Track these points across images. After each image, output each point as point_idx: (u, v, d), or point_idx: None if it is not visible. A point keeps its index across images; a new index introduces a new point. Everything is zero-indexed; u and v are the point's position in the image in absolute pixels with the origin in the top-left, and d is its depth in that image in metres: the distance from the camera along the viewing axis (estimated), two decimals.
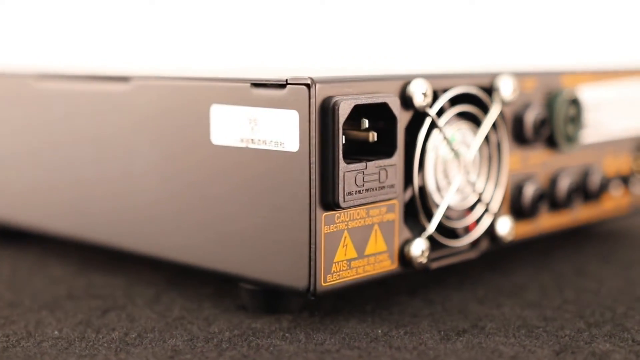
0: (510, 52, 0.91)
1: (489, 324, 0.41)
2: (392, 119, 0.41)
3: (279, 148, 0.40)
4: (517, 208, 0.50)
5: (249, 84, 0.41)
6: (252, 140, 0.41)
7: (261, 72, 0.44)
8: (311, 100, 0.39)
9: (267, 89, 0.40)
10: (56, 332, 0.40)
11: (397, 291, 0.47)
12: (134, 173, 0.47)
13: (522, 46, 0.94)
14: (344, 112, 0.39)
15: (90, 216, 0.49)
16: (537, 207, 0.51)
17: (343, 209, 0.40)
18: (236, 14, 0.99)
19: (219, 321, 0.42)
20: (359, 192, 0.40)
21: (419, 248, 0.43)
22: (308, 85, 0.39)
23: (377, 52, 0.91)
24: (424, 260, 0.44)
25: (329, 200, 0.39)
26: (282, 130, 0.40)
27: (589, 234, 0.61)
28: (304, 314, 0.43)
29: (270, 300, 0.43)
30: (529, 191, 0.50)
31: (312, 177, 0.39)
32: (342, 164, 0.39)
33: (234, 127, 0.42)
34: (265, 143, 0.41)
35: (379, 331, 0.40)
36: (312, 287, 0.40)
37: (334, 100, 0.39)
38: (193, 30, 0.99)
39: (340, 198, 0.39)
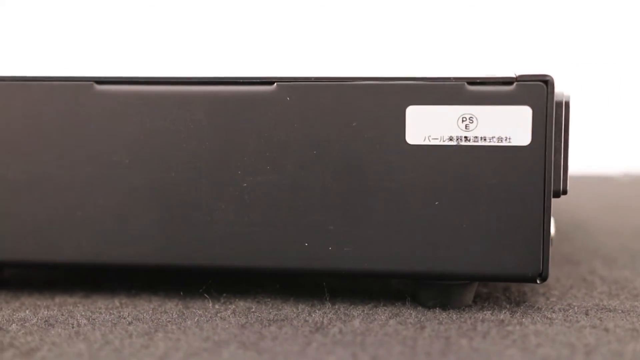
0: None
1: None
2: None
3: (504, 143, 0.42)
4: None
5: (464, 83, 0.42)
6: (465, 137, 0.42)
7: (446, 71, 0.44)
8: (549, 96, 0.41)
9: (488, 86, 0.42)
10: None
11: None
12: (298, 180, 0.43)
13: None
14: (570, 106, 0.42)
15: (223, 238, 0.44)
16: None
17: (564, 195, 0.43)
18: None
19: (458, 318, 0.42)
20: None
21: (553, 227, 0.48)
22: (546, 82, 0.41)
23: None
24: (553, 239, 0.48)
25: (558, 188, 0.42)
26: (509, 126, 0.42)
27: None
28: (487, 302, 0.45)
29: (448, 294, 0.44)
30: None
31: (547, 167, 0.41)
32: (568, 154, 0.43)
33: (439, 126, 0.42)
34: (485, 139, 0.42)
35: (599, 304, 0.45)
36: (543, 273, 0.42)
37: (561, 95, 0.42)
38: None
39: (567, 185, 0.42)
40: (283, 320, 0.42)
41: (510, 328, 0.41)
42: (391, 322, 0.42)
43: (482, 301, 0.45)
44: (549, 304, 0.45)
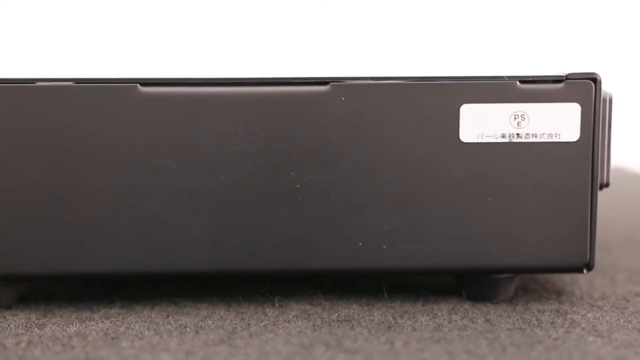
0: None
1: None
2: None
3: (554, 139, 0.43)
4: None
5: (516, 81, 0.43)
6: (517, 134, 0.43)
7: (491, 69, 0.45)
8: (596, 93, 0.43)
9: (539, 84, 0.43)
10: None
11: None
12: (352, 180, 0.43)
13: None
14: (613, 102, 0.44)
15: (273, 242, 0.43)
16: None
17: (607, 187, 0.45)
18: None
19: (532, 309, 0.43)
20: None
21: None
22: (594, 80, 0.43)
23: None
24: None
25: (603, 181, 0.44)
26: (558, 123, 0.43)
27: None
28: (527, 294, 0.46)
29: (497, 287, 0.45)
30: None
31: (595, 162, 0.43)
32: (611, 148, 0.45)
33: (492, 123, 0.43)
34: (536, 136, 0.43)
35: (631, 290, 0.47)
36: (590, 263, 0.44)
37: (605, 92, 0.44)
38: None
39: (610, 179, 0.45)
40: (349, 320, 0.42)
41: (571, 317, 0.42)
42: (454, 317, 0.42)
43: (522, 293, 0.46)
44: (586, 293, 0.46)
